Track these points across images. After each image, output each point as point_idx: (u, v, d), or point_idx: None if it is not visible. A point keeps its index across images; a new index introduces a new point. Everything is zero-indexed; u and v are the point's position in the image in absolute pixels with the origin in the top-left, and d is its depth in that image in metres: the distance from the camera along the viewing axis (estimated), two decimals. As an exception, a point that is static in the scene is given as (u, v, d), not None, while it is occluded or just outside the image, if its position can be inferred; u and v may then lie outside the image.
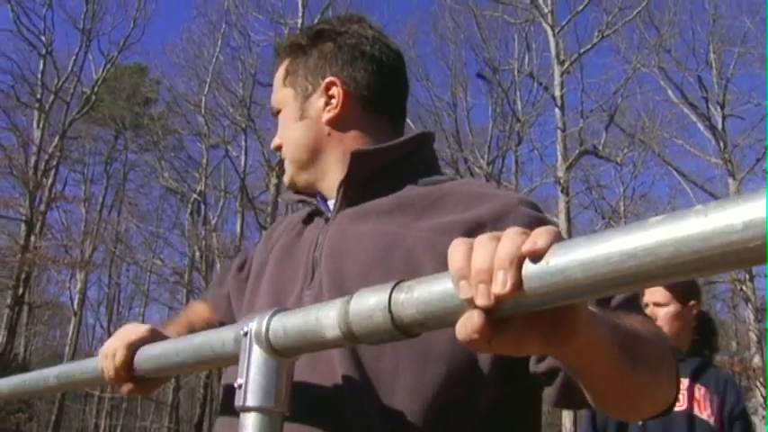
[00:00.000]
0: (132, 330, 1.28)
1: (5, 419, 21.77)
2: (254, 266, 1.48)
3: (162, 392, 30.01)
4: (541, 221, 1.14)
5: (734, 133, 22.57)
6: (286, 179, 1.45)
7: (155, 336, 1.28)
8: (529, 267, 0.64)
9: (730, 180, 21.49)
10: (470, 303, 0.67)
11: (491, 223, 1.14)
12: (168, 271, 29.36)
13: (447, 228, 1.16)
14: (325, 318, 0.82)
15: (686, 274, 0.56)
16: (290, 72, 1.44)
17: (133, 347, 1.24)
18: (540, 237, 0.64)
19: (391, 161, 1.33)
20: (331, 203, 1.36)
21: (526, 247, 0.64)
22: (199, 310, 1.62)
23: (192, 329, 1.47)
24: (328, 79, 1.38)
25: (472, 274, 0.67)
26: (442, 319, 0.71)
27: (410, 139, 1.37)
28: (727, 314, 30.51)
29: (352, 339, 0.80)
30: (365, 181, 1.31)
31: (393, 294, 0.75)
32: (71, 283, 28.09)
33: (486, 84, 24.05)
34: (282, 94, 1.45)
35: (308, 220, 1.44)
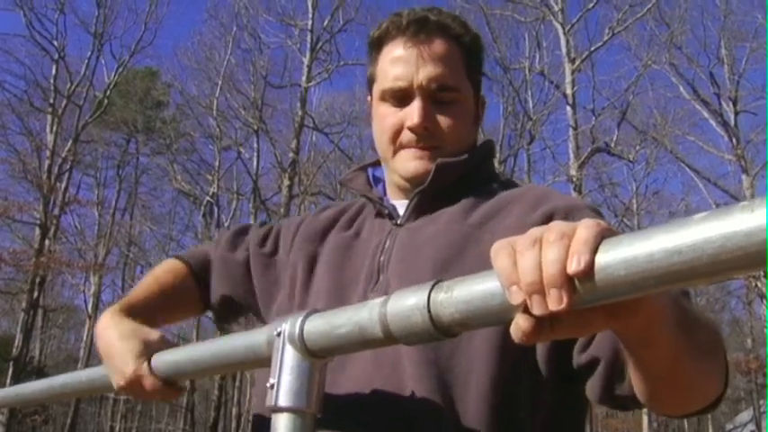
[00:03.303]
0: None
1: (22, 422, 21.89)
2: (300, 256, 1.42)
3: (176, 394, 30.03)
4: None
5: (747, 129, 22.55)
6: (425, 171, 1.31)
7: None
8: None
9: (744, 176, 21.36)
10: (519, 306, 0.67)
11: (560, 217, 1.16)
12: (182, 273, 29.42)
13: (519, 226, 1.13)
14: (362, 318, 0.82)
15: (733, 271, 0.55)
16: (470, 68, 1.38)
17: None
18: (582, 254, 0.63)
19: (467, 171, 1.35)
20: (397, 204, 1.37)
21: (572, 269, 0.62)
22: (173, 273, 1.54)
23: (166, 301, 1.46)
24: (482, 94, 1.42)
25: (523, 283, 0.65)
26: (482, 318, 0.71)
27: (482, 149, 1.41)
28: (743, 311, 30.37)
29: (390, 340, 0.80)
30: (441, 190, 1.32)
31: (432, 294, 0.74)
32: (85, 287, 28.23)
33: (487, 80, 24.00)
34: (465, 85, 1.36)
35: (362, 215, 1.44)
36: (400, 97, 1.33)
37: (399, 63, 1.32)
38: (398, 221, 1.34)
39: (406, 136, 1.32)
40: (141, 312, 1.37)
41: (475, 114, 1.40)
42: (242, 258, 1.53)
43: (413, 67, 1.31)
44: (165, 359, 1.20)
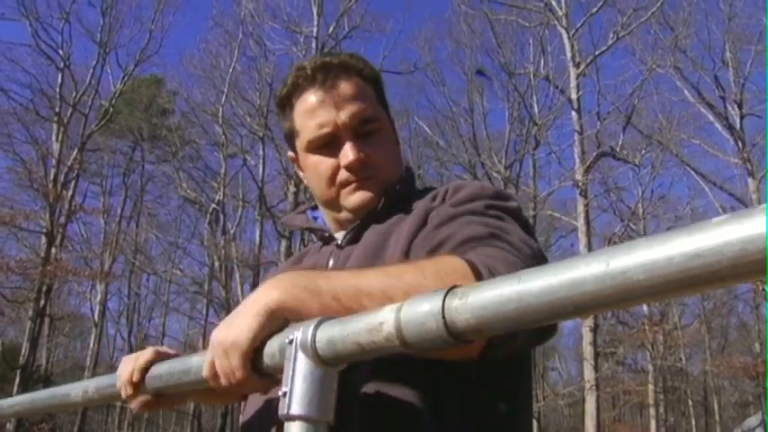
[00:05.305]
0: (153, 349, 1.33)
1: (29, 431, 21.87)
2: None
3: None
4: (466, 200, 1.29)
5: (752, 132, 22.48)
6: (370, 199, 1.40)
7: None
8: (590, 269, 0.62)
9: (749, 179, 21.31)
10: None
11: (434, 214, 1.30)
12: (188, 281, 29.47)
13: (420, 215, 1.31)
14: (375, 325, 0.81)
15: (753, 275, 0.54)
16: (379, 96, 1.47)
17: (152, 361, 1.27)
18: None
19: (403, 191, 1.43)
20: (338, 236, 1.45)
21: None
22: None
23: None
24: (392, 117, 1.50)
25: None
26: (496, 324, 0.70)
27: (408, 173, 1.50)
28: (750, 315, 30.27)
29: (403, 346, 0.79)
30: (382, 213, 1.40)
31: (446, 300, 0.73)
32: (92, 295, 28.24)
33: (487, 80, 24.05)
34: (381, 113, 1.45)
35: (310, 252, 1.53)
36: (327, 143, 1.39)
37: (318, 111, 1.39)
38: (340, 243, 1.42)
39: (344, 174, 1.40)
40: None
41: (395, 133, 1.50)
42: None
43: (332, 110, 1.38)
44: (173, 369, 1.20)
